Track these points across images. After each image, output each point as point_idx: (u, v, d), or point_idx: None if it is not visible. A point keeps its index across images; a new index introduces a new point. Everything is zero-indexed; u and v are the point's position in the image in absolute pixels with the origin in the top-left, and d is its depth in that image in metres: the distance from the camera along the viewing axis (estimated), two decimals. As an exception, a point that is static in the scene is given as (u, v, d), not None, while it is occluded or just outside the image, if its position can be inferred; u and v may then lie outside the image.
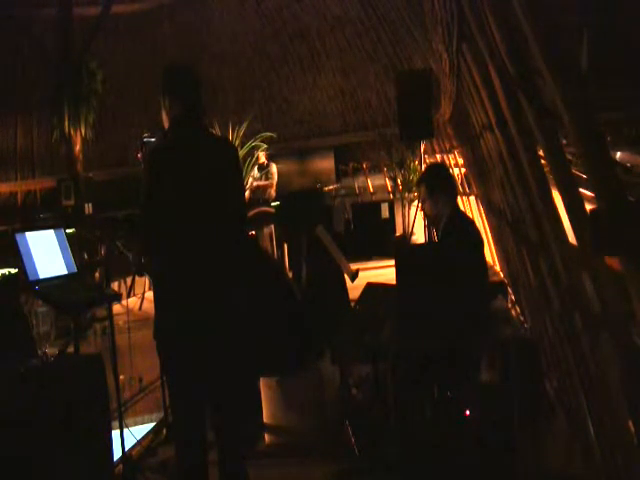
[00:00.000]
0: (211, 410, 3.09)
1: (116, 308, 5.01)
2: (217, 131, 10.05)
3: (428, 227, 5.66)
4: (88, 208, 10.85)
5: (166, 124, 3.07)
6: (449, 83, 5.93)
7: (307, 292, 4.73)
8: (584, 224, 2.19)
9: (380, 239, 11.76)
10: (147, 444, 4.14)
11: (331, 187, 12.57)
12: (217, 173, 2.99)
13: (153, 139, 3.94)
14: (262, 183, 10.44)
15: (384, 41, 12.41)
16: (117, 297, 4.31)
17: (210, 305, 2.93)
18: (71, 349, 3.71)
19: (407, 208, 11.87)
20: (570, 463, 3.46)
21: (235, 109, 12.18)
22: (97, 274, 8.78)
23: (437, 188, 3.93)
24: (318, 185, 12.39)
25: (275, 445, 4.14)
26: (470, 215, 9.42)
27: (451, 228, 3.92)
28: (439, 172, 4.23)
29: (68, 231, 4.14)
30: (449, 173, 4.45)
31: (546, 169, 2.86)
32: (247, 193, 9.77)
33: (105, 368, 3.46)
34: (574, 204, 2.29)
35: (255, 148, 10.25)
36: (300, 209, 9.74)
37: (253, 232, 4.85)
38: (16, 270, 5.26)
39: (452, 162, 10.57)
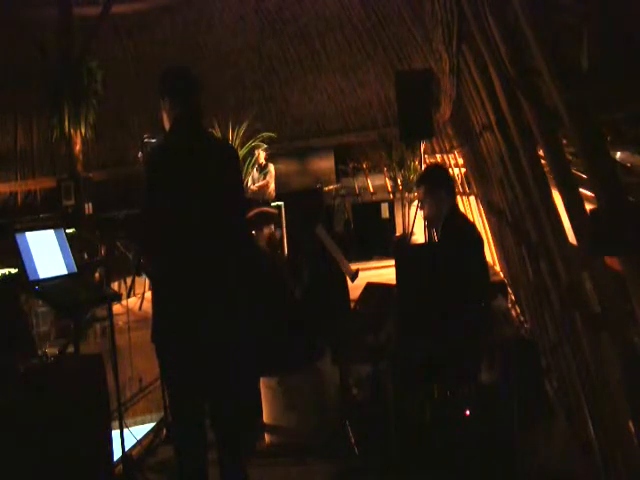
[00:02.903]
0: (211, 410, 3.09)
1: (116, 308, 5.01)
2: (217, 131, 10.06)
3: (428, 227, 5.66)
4: (88, 208, 10.85)
5: (166, 125, 3.08)
6: (449, 83, 5.92)
7: (308, 291, 4.73)
8: (584, 224, 2.19)
9: (380, 239, 11.77)
10: (147, 444, 4.14)
11: (331, 187, 12.56)
12: (216, 175, 2.99)
13: (154, 140, 3.95)
14: (258, 184, 10.43)
15: (384, 41, 12.41)
16: (117, 297, 4.31)
17: (209, 306, 2.93)
18: (71, 349, 3.71)
19: (407, 208, 11.88)
20: (570, 463, 3.46)
21: (235, 109, 12.17)
22: (97, 274, 8.77)
23: (437, 187, 3.93)
24: (318, 185, 12.39)
25: (275, 445, 4.14)
26: (470, 215, 9.43)
27: (451, 228, 3.92)
28: (438, 171, 4.25)
29: (68, 231, 4.14)
30: (448, 172, 4.47)
31: (546, 169, 2.86)
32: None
33: (105, 368, 3.45)
34: (574, 204, 2.29)
35: (255, 148, 10.26)
36: (301, 209, 9.75)
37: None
38: (16, 270, 5.25)
39: (452, 162, 10.57)
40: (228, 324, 2.97)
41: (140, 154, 3.87)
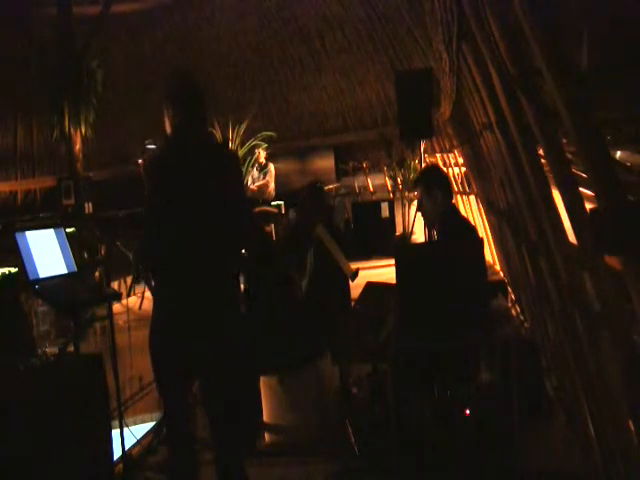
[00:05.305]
0: (210, 410, 3.09)
1: (116, 307, 5.01)
2: (217, 130, 10.05)
3: (428, 226, 5.66)
4: (88, 207, 10.85)
5: (168, 132, 3.07)
6: (449, 82, 5.92)
7: (309, 291, 4.73)
8: (584, 224, 2.19)
9: (380, 238, 11.76)
10: (147, 443, 4.14)
11: (331, 186, 12.56)
12: (216, 183, 2.99)
13: (153, 146, 3.95)
14: (258, 183, 10.41)
15: (384, 41, 12.40)
16: (117, 296, 4.30)
17: (209, 315, 2.93)
18: (71, 348, 3.71)
19: (407, 207, 11.88)
20: (570, 462, 3.46)
21: (235, 108, 12.16)
22: (97, 274, 8.77)
23: (434, 186, 4.10)
24: (318, 184, 12.37)
25: (275, 445, 4.14)
26: (470, 215, 9.42)
27: (449, 227, 3.97)
28: (434, 172, 4.47)
29: (68, 230, 4.14)
30: (443, 173, 4.73)
31: (546, 168, 2.86)
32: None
33: (105, 367, 3.45)
34: (574, 204, 2.29)
35: (255, 147, 10.26)
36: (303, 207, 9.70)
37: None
38: (16, 269, 5.26)
39: (452, 161, 10.57)
40: (229, 326, 2.97)
41: (140, 161, 3.86)
